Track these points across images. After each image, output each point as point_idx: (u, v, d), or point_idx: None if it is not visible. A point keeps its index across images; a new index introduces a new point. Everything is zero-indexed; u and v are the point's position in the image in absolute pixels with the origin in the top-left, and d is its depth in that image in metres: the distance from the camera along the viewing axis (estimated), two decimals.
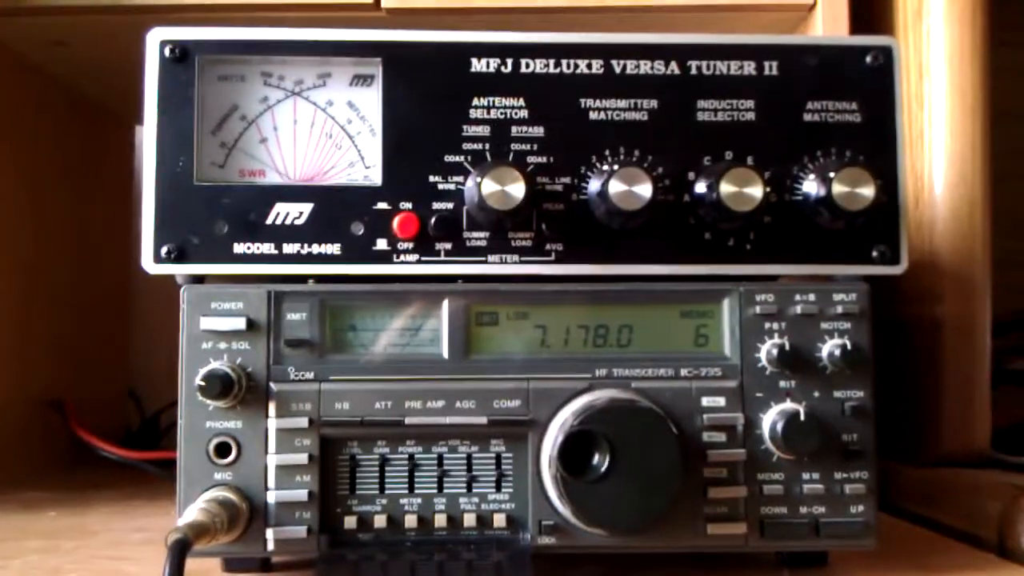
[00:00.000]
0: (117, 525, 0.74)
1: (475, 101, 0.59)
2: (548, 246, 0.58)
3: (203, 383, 0.55)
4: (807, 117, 0.60)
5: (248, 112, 0.59)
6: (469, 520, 0.57)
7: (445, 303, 0.58)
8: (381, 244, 0.58)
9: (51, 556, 0.63)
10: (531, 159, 0.59)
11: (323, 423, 0.56)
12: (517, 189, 0.55)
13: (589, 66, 0.60)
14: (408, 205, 0.58)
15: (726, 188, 0.56)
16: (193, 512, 0.52)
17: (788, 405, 0.57)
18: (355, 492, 0.57)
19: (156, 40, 0.58)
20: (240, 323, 0.57)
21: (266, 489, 0.56)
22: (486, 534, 0.57)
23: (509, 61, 0.59)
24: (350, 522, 0.56)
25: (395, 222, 0.58)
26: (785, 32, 0.84)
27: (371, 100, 0.59)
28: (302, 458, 0.56)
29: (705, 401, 0.57)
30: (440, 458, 0.57)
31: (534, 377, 0.57)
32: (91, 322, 1.12)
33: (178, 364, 0.56)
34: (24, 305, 0.97)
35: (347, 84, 0.60)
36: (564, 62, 0.60)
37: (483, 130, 0.59)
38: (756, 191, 0.56)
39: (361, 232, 0.58)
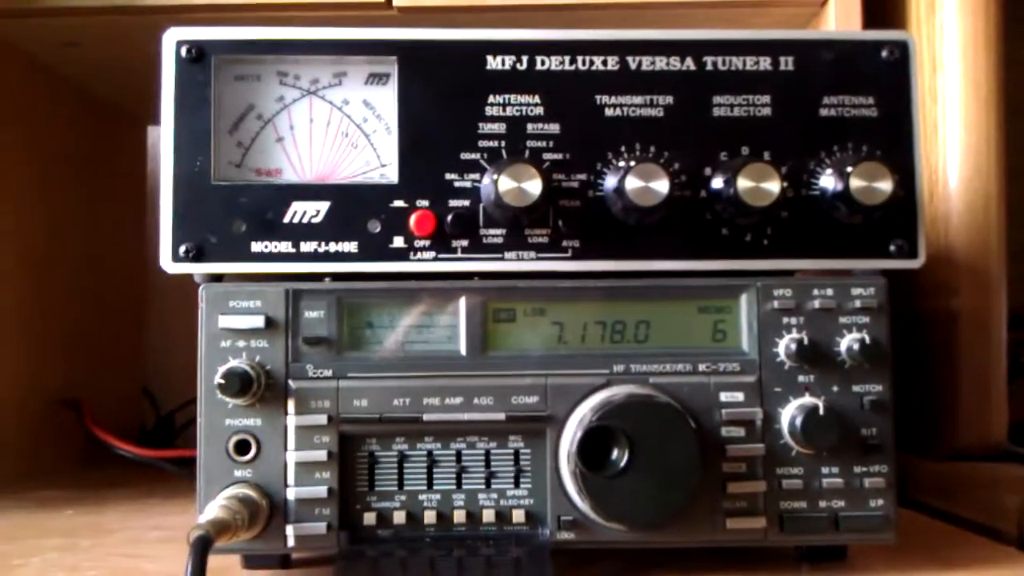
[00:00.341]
0: (134, 523, 0.74)
1: (491, 98, 0.59)
2: (565, 243, 0.58)
3: (222, 381, 0.55)
4: (823, 112, 0.60)
5: (264, 111, 0.60)
6: (488, 516, 0.57)
7: (462, 300, 0.58)
8: (398, 242, 0.58)
9: (69, 554, 0.64)
10: (547, 156, 0.59)
11: (342, 420, 0.56)
12: (533, 186, 0.56)
13: (604, 62, 0.60)
14: (424, 203, 0.58)
15: (743, 183, 0.56)
16: (214, 509, 0.52)
17: (807, 400, 0.57)
18: (374, 488, 0.57)
19: (172, 40, 0.58)
20: (258, 321, 0.57)
21: (286, 486, 0.56)
22: (505, 530, 0.57)
23: (524, 58, 0.59)
24: (369, 518, 0.57)
25: (412, 220, 0.58)
26: (798, 27, 0.84)
27: (387, 98, 0.59)
28: (321, 455, 0.56)
29: (723, 396, 0.57)
30: (458, 454, 0.57)
31: (552, 373, 0.57)
32: (105, 321, 1.13)
33: (195, 362, 0.57)
34: (38, 304, 0.97)
35: (363, 83, 0.60)
36: (579, 59, 0.60)
37: (499, 127, 0.59)
38: (773, 186, 0.56)
39: (378, 230, 0.58)
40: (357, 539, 0.56)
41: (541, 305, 0.59)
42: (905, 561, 0.59)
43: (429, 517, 0.57)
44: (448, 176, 0.59)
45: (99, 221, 1.11)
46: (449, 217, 0.58)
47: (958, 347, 0.82)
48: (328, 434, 0.56)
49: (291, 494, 0.56)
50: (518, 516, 0.57)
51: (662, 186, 0.56)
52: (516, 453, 0.57)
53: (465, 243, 0.58)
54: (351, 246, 0.58)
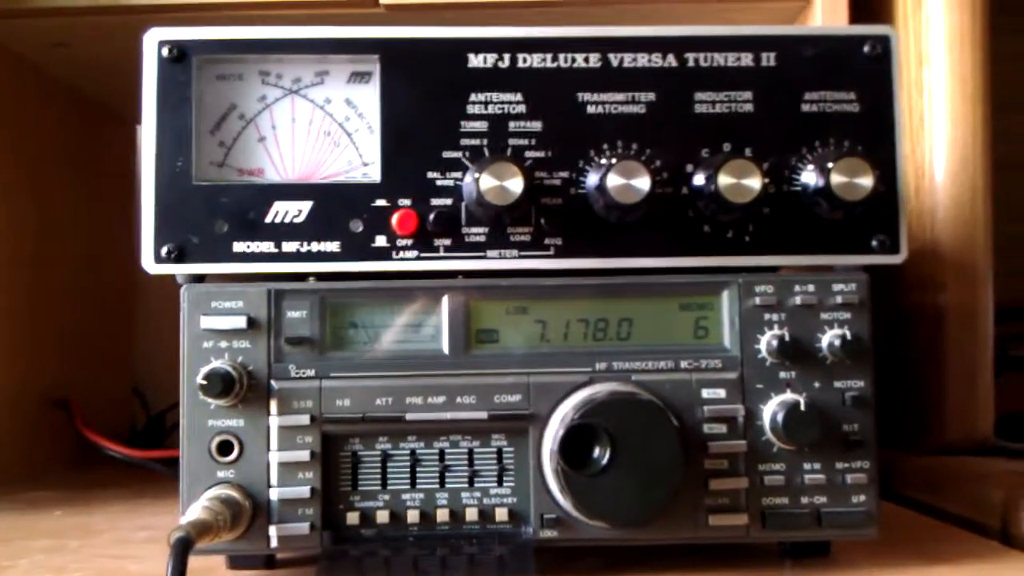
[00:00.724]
0: (122, 524, 0.74)
1: (473, 96, 0.59)
2: (547, 240, 0.58)
3: (204, 382, 0.55)
4: (805, 108, 0.60)
5: (246, 111, 0.60)
6: (471, 514, 0.57)
7: (445, 299, 0.58)
8: (380, 241, 0.58)
9: (56, 555, 0.64)
10: (529, 154, 0.59)
11: (324, 420, 0.56)
12: (515, 184, 0.55)
13: (586, 60, 0.60)
14: (407, 202, 0.58)
15: (724, 180, 0.56)
16: (196, 510, 0.52)
17: (788, 396, 0.57)
18: (357, 488, 0.57)
19: (154, 40, 0.58)
20: (241, 322, 0.57)
21: (268, 486, 0.56)
22: (488, 528, 0.57)
23: (506, 56, 0.59)
24: (352, 518, 0.57)
25: (394, 219, 0.58)
26: (785, 23, 0.84)
27: (369, 97, 0.59)
28: (304, 455, 0.56)
29: (705, 393, 0.57)
30: (441, 453, 0.57)
31: (534, 371, 0.57)
32: (96, 321, 1.13)
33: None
34: (28, 304, 0.97)
35: (345, 81, 0.60)
36: (561, 56, 0.59)
37: (481, 125, 0.59)
38: (754, 182, 0.56)
39: (360, 229, 0.58)
40: (340, 539, 0.56)
41: (524, 303, 0.59)
42: (889, 556, 0.59)
43: (412, 516, 0.57)
44: (430, 175, 0.59)
45: (89, 221, 1.11)
46: (431, 216, 0.58)
47: (945, 341, 0.82)
48: (311, 434, 0.56)
49: (274, 494, 0.56)
50: (501, 514, 0.57)
51: (643, 183, 0.56)
52: (499, 452, 0.58)
53: (448, 242, 0.58)
54: (333, 246, 0.58)
